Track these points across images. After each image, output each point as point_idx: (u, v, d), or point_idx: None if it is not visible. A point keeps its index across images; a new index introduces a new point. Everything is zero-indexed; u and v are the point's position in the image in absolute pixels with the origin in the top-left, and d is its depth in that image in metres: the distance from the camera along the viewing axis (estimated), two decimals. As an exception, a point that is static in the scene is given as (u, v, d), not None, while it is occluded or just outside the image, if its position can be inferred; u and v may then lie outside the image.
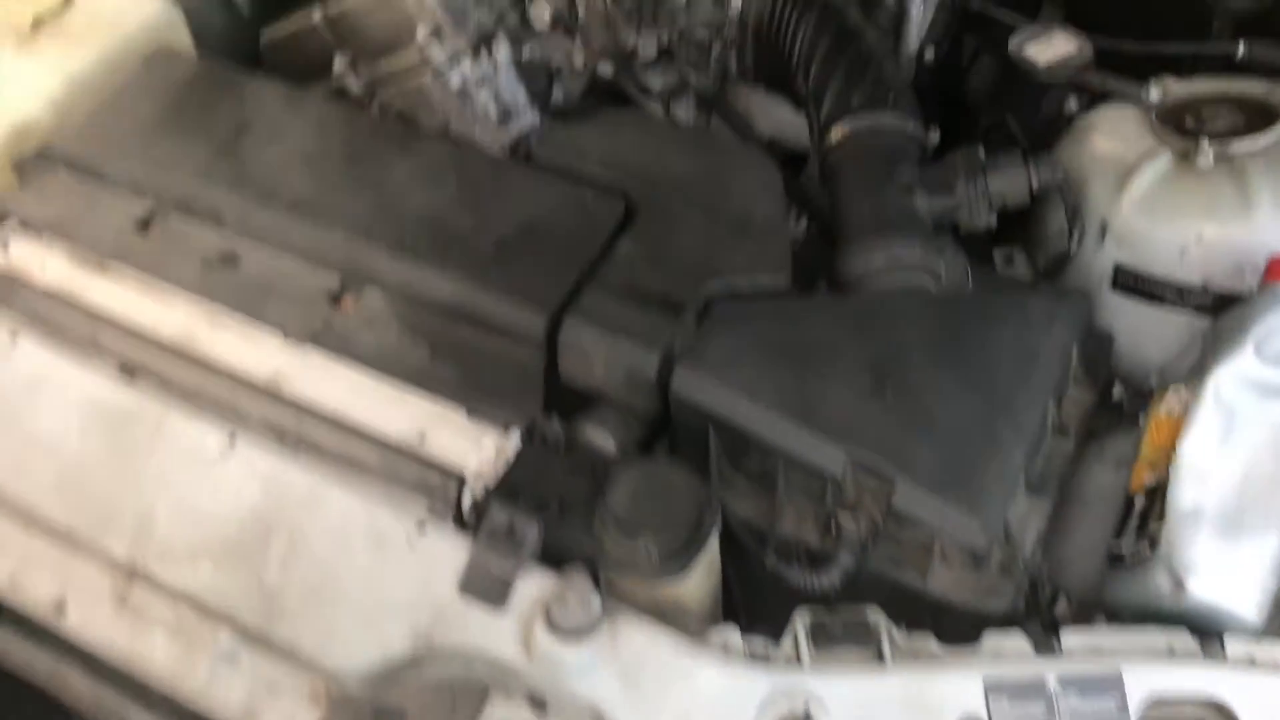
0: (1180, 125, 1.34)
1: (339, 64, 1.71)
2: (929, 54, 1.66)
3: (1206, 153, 1.27)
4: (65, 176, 1.49)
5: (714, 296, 1.25)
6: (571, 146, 1.40)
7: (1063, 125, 1.50)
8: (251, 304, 1.32)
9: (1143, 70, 1.70)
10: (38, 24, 1.70)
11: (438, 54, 1.59)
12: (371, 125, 1.45)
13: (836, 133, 1.36)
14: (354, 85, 1.71)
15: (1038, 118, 1.53)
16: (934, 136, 1.39)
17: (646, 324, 1.21)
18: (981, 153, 1.34)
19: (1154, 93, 1.39)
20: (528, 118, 1.68)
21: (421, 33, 1.59)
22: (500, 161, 1.39)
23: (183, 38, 1.76)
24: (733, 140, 1.46)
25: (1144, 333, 1.31)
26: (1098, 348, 1.30)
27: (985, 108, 1.59)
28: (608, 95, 1.72)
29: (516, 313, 1.25)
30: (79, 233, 1.41)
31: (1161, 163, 1.29)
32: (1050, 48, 1.53)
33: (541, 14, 1.64)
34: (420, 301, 1.30)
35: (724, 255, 1.27)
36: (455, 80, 1.62)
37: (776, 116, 1.66)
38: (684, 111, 1.66)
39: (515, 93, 1.66)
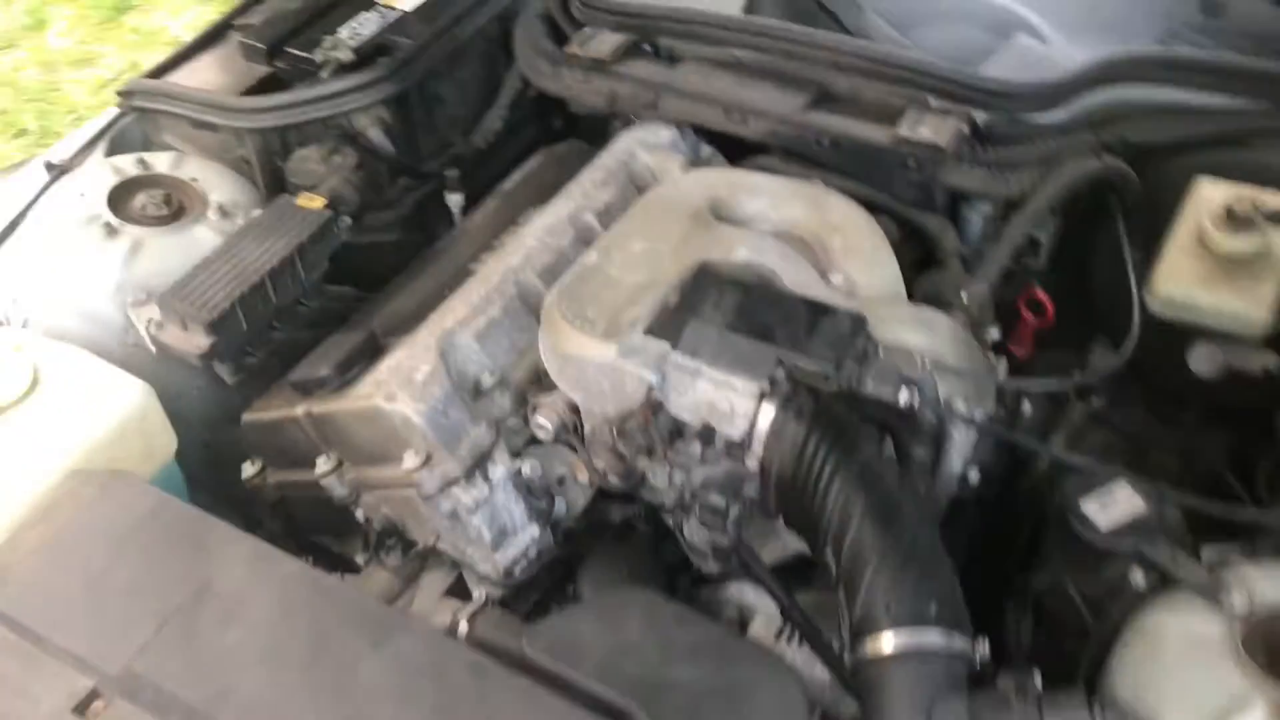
0: (1273, 658, 1.15)
1: (322, 465, 1.57)
2: (973, 476, 1.49)
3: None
4: (2, 634, 1.32)
5: None
6: (567, 646, 1.23)
7: (1127, 600, 1.32)
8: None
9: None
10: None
11: (427, 482, 1.44)
12: (343, 607, 1.28)
13: (873, 644, 1.18)
14: (338, 488, 1.57)
15: (1098, 585, 1.35)
16: (983, 649, 1.21)
17: None
18: (1038, 680, 1.15)
19: (1237, 600, 1.20)
20: (527, 535, 1.53)
21: (409, 460, 1.44)
22: (484, 666, 1.22)
23: (158, 427, 1.62)
24: (749, 648, 1.29)
25: None
26: None
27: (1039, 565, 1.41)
28: (620, 499, 1.56)
29: None
30: (8, 716, 1.24)
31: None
32: (1114, 506, 1.35)
33: (545, 425, 1.49)
34: None
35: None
36: (445, 506, 1.47)
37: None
38: (697, 532, 1.49)
39: (513, 512, 1.51)
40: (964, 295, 1.53)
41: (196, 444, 1.77)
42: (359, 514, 1.58)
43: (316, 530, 1.75)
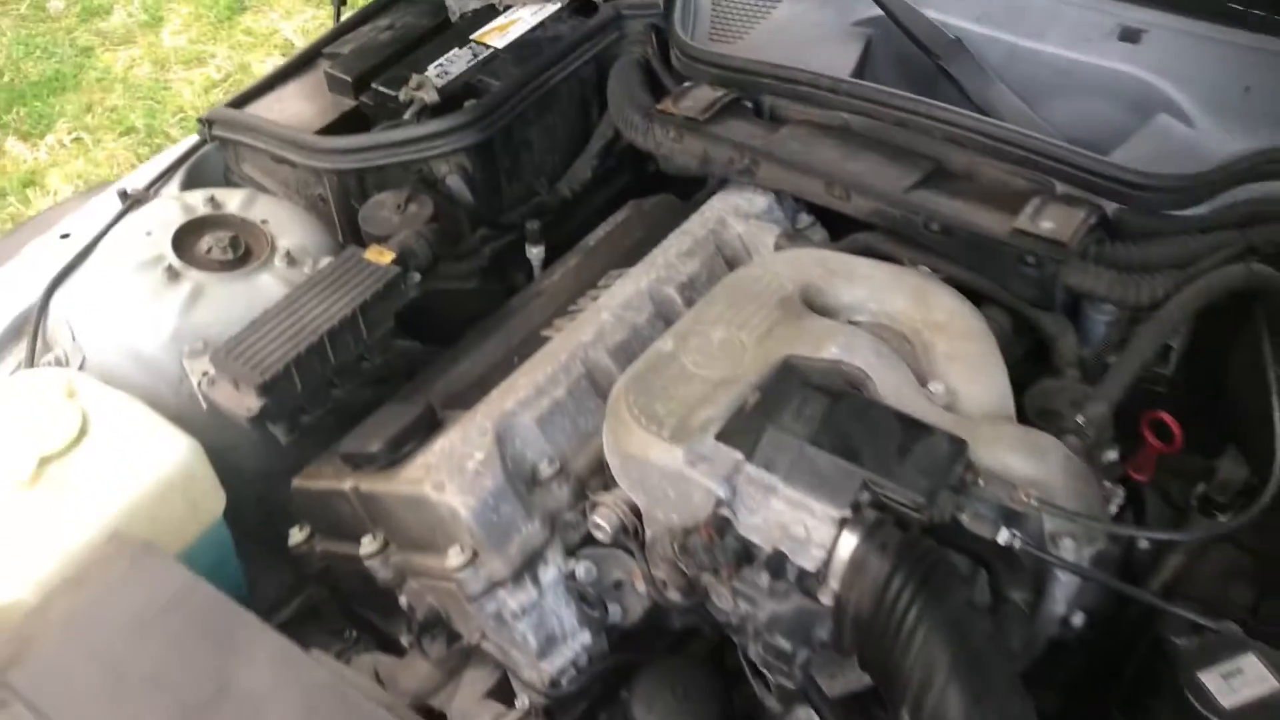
0: None
1: (368, 545, 1.48)
2: (1077, 620, 1.32)
3: None
4: (19, 712, 1.26)
5: None
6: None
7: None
8: None
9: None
10: (44, 465, 1.50)
11: (471, 582, 1.34)
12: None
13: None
14: (382, 571, 1.47)
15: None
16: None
17: None
18: None
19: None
20: (577, 642, 1.42)
21: (454, 558, 1.34)
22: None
23: (205, 486, 1.55)
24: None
25: None
26: None
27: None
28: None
29: None
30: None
31: None
32: (1241, 681, 1.18)
33: (603, 526, 1.37)
34: None
35: None
36: (490, 607, 1.36)
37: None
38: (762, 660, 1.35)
39: (562, 618, 1.40)
40: (1081, 419, 1.36)
41: (250, 496, 1.70)
42: (402, 600, 1.48)
43: (362, 604, 1.66)
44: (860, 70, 1.83)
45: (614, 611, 1.42)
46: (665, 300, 1.58)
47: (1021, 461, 1.29)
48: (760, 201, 1.71)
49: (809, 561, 1.21)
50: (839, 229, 1.71)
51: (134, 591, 1.33)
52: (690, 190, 1.91)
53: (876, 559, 1.18)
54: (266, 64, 4.42)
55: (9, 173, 3.98)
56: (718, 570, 1.26)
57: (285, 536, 1.67)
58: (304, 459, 1.64)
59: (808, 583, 1.22)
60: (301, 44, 4.49)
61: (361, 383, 1.67)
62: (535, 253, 1.89)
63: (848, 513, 1.21)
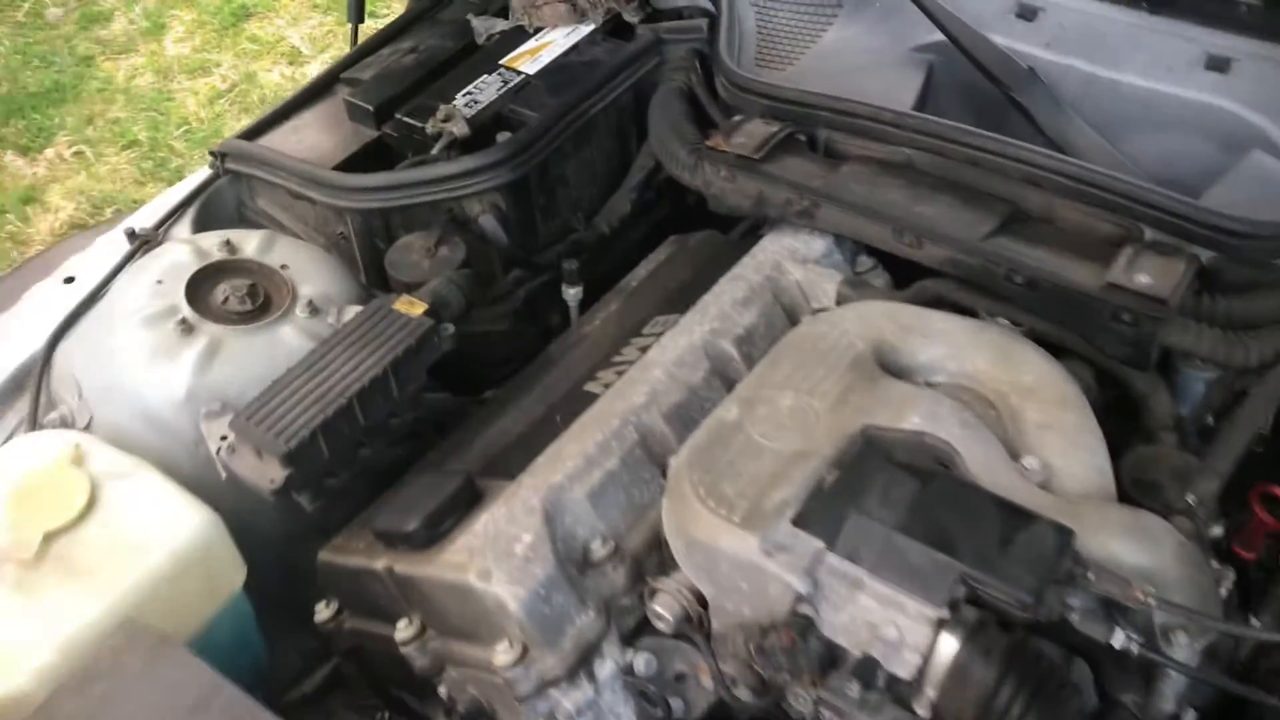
0: None
1: (403, 630, 1.36)
2: (1188, 718, 1.20)
3: None
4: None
5: None
6: None
7: None
8: None
9: None
10: (49, 540, 1.38)
11: (522, 682, 1.22)
12: None
13: None
14: (419, 659, 1.35)
15: None
16: None
17: None
18: None
19: None
20: (636, 740, 1.29)
21: (502, 655, 1.22)
22: None
23: (224, 560, 1.43)
24: None
25: None
26: None
27: None
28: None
29: None
30: None
31: None
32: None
33: (664, 615, 1.25)
34: None
35: None
36: (542, 708, 1.24)
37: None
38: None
39: (620, 715, 1.29)
40: (1192, 498, 1.23)
41: (272, 560, 1.57)
42: (441, 690, 1.36)
43: (395, 684, 1.53)
44: (922, 101, 1.70)
45: (676, 706, 1.30)
46: (722, 356, 1.46)
47: (1131, 550, 1.16)
48: (818, 245, 1.59)
49: (903, 668, 1.09)
50: (902, 271, 1.59)
51: (150, 693, 1.21)
52: (733, 223, 1.79)
53: (980, 666, 1.07)
54: (273, 72, 4.29)
55: (7, 189, 3.85)
56: (798, 675, 1.14)
57: (309, 601, 1.55)
58: (328, 521, 1.52)
59: (900, 690, 1.10)
60: (309, 51, 4.37)
61: (391, 441, 1.54)
62: (572, 293, 1.77)
63: (945, 612, 1.08)
